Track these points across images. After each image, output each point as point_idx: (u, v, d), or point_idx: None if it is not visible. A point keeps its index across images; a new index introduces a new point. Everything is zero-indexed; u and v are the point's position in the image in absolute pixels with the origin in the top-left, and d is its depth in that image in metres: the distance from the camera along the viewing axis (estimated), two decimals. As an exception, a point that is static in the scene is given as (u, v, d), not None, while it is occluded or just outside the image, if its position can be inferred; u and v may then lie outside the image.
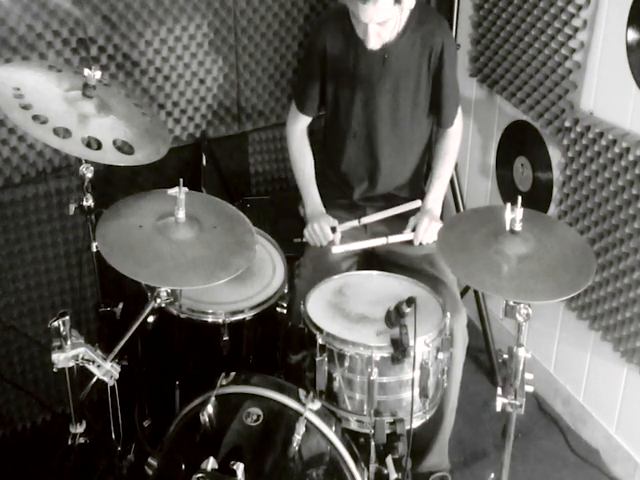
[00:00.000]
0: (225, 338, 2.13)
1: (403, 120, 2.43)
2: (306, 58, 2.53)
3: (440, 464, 2.48)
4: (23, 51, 2.39)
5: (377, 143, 2.45)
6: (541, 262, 1.86)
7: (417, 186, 2.60)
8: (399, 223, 2.50)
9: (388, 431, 1.98)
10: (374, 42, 2.22)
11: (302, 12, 2.85)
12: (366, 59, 2.34)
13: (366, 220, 2.51)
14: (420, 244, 2.44)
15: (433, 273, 2.37)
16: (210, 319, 2.14)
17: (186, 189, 1.90)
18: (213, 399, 1.92)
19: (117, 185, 2.61)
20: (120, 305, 2.31)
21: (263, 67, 2.88)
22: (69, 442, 1.97)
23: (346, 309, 2.09)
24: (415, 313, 1.89)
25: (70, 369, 1.84)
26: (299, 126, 2.57)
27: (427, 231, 2.41)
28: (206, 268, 1.86)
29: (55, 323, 1.78)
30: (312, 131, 2.61)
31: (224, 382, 1.98)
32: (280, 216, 2.85)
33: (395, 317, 1.92)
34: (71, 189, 2.58)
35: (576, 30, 2.41)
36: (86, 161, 2.08)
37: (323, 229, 2.44)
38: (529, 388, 1.91)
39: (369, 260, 2.53)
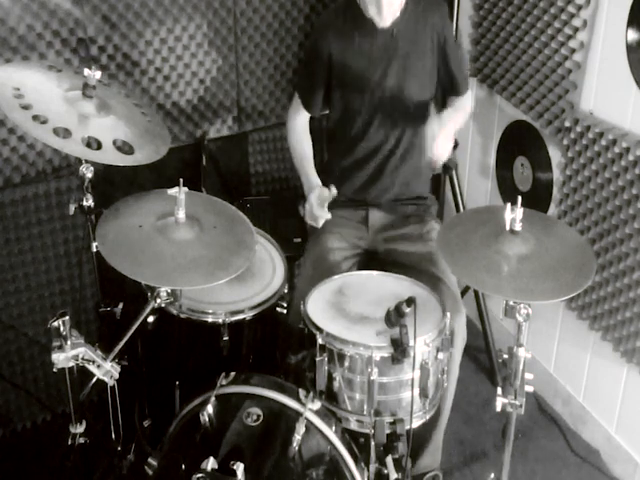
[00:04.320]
0: (225, 338, 2.13)
1: (409, 104, 2.41)
2: (309, 60, 2.50)
3: (433, 464, 2.47)
4: (23, 51, 2.39)
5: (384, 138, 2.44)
6: (541, 262, 1.86)
7: (422, 182, 2.58)
8: (403, 221, 2.51)
9: (388, 431, 1.98)
10: (387, 13, 2.24)
11: (302, 12, 2.86)
12: (374, 42, 2.34)
13: None
14: (421, 239, 2.43)
15: (434, 272, 2.36)
16: (210, 319, 2.14)
17: (186, 189, 1.90)
18: (213, 399, 1.92)
19: (117, 185, 2.61)
20: (120, 305, 2.30)
21: (263, 67, 2.88)
22: (69, 442, 1.97)
23: (346, 309, 2.08)
24: (415, 313, 1.89)
25: (70, 369, 1.84)
26: (301, 120, 2.57)
27: (440, 143, 2.23)
28: (206, 268, 1.86)
29: (55, 323, 1.78)
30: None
31: (224, 382, 1.98)
32: (280, 216, 2.84)
33: (395, 317, 1.92)
34: (71, 189, 2.58)
35: (576, 30, 2.42)
36: (86, 161, 2.08)
37: (321, 204, 2.33)
38: (529, 388, 1.91)
39: (369, 259, 2.53)
